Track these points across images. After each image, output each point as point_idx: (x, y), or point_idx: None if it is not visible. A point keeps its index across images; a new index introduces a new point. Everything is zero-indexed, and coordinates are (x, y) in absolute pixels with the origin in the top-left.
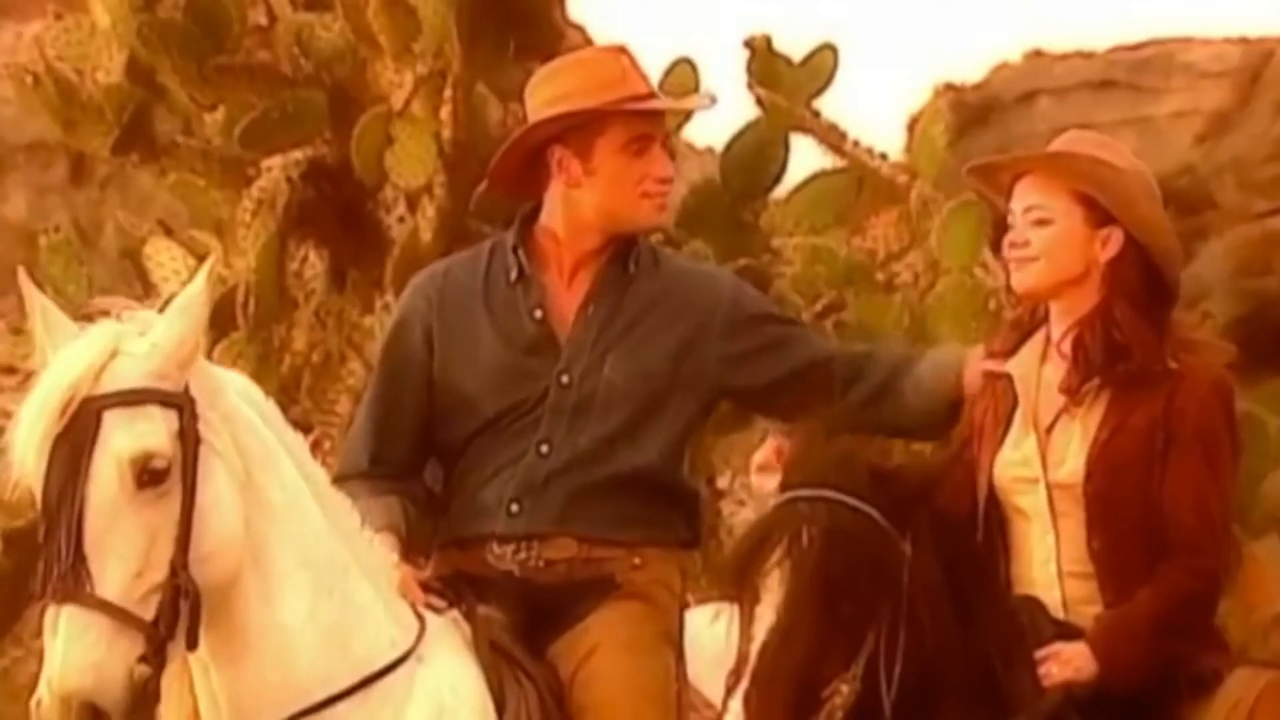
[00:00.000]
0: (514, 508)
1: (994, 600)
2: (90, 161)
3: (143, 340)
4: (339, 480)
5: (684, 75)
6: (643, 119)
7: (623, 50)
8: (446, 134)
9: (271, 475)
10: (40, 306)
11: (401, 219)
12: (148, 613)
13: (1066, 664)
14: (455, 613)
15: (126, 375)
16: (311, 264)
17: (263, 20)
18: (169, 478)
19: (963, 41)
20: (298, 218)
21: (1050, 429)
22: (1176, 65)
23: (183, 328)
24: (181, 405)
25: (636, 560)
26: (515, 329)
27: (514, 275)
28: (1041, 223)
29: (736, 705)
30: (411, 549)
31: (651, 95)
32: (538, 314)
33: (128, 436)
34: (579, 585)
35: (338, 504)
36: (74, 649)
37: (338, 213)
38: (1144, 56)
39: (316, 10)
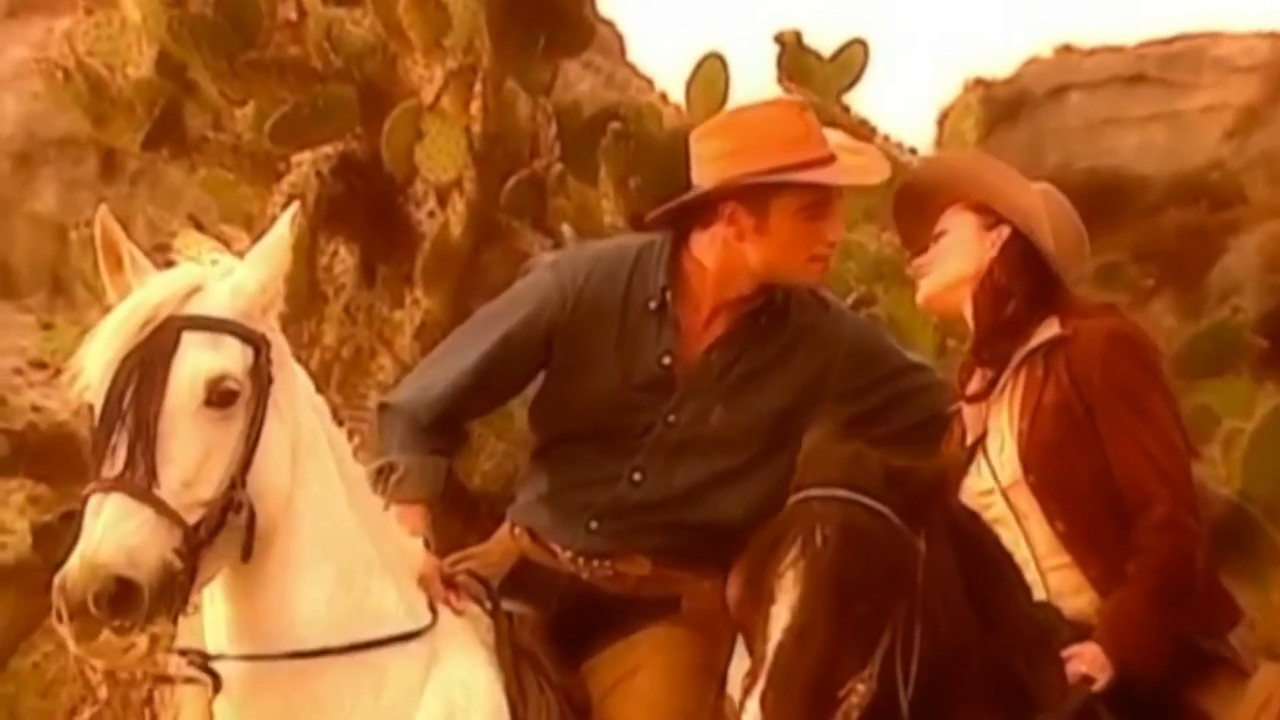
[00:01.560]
0: (593, 525)
1: (1013, 599)
2: (120, 157)
3: (226, 280)
4: (393, 409)
5: (714, 70)
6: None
7: (805, 107)
8: (476, 129)
9: (315, 463)
10: (128, 251)
11: (431, 214)
12: (191, 518)
13: (1092, 663)
14: (478, 610)
15: (210, 306)
16: (341, 259)
17: (293, 15)
18: (235, 403)
19: (993, 36)
20: (328, 213)
21: (984, 439)
22: (1207, 60)
23: (265, 271)
24: (259, 345)
25: (706, 585)
26: (638, 366)
27: (654, 305)
28: (938, 237)
29: (754, 705)
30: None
31: (831, 157)
32: (666, 360)
33: (206, 355)
34: (643, 601)
35: (370, 504)
36: (114, 529)
37: (368, 208)
38: (1174, 51)
39: (346, 5)
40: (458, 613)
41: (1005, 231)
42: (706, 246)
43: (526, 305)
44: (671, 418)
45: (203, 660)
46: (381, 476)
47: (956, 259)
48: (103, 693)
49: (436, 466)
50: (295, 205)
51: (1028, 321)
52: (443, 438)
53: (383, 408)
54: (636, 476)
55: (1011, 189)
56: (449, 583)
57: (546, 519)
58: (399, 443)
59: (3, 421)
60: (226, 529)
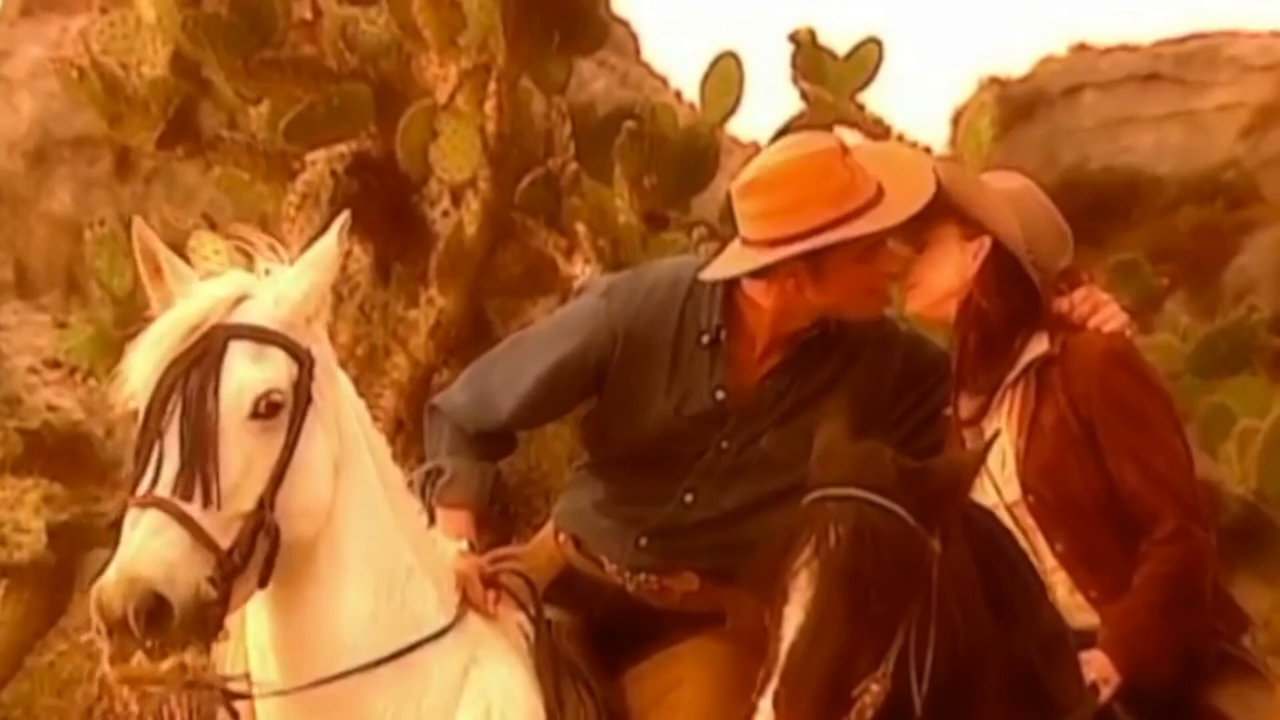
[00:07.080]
0: (643, 542)
1: (1031, 598)
2: (135, 155)
3: (271, 289)
4: (442, 414)
5: (728, 69)
6: None
7: (844, 150)
8: (491, 128)
9: (356, 470)
10: (166, 258)
11: (446, 213)
12: (226, 539)
13: (1099, 671)
14: (521, 616)
15: (256, 316)
16: (356, 258)
17: (308, 14)
18: (278, 416)
19: (1008, 35)
20: (342, 211)
21: (992, 443)
22: (1222, 58)
23: (310, 281)
24: (302, 359)
25: (752, 601)
26: (691, 401)
27: (707, 340)
28: (923, 248)
29: (766, 705)
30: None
31: (879, 194)
32: (720, 395)
33: (253, 366)
34: (689, 615)
35: (408, 507)
36: (151, 543)
37: (382, 207)
38: (1190, 50)
39: (361, 4)
40: (491, 617)
41: (987, 243)
42: (763, 291)
43: (579, 334)
44: (725, 444)
45: (233, 695)
46: (429, 480)
47: (941, 273)
48: (123, 692)
49: (484, 472)
50: (345, 215)
51: (1009, 346)
52: (491, 445)
53: (432, 410)
54: (689, 498)
55: (986, 200)
56: (490, 583)
57: (595, 530)
58: (447, 447)
59: (18, 421)
60: (255, 555)
